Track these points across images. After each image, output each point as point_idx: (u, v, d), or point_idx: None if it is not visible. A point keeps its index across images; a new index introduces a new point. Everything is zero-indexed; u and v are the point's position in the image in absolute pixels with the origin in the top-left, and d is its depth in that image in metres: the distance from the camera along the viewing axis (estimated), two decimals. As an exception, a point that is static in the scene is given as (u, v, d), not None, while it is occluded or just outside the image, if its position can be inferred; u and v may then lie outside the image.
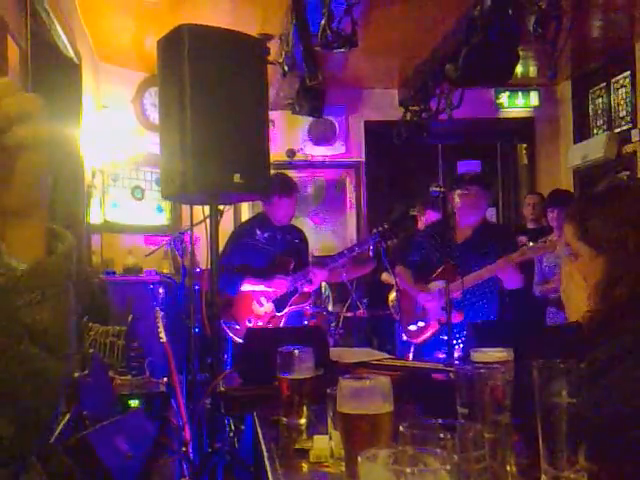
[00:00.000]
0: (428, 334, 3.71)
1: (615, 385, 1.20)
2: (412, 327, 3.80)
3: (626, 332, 1.28)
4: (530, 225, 5.42)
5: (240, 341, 3.65)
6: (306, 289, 4.09)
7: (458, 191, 3.70)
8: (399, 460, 0.66)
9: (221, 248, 3.48)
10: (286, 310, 4.03)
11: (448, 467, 0.63)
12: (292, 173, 6.53)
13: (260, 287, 3.96)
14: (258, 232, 4.02)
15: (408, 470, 0.63)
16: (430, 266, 3.70)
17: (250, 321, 3.92)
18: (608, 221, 1.36)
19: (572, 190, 6.30)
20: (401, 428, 0.81)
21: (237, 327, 3.88)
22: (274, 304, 3.99)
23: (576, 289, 1.44)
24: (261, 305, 3.98)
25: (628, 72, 5.66)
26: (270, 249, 4.02)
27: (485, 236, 3.69)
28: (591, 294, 1.37)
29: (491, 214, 6.93)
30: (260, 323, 3.94)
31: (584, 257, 1.40)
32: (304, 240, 4.30)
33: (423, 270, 3.77)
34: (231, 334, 3.87)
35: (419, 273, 3.81)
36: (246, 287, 3.95)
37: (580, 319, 1.43)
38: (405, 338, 3.95)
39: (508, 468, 1.03)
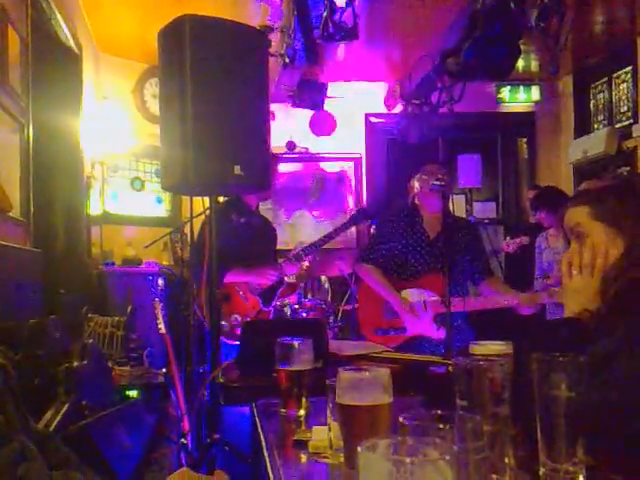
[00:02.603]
0: (397, 344, 3.26)
1: (615, 378, 1.20)
2: (377, 336, 3.30)
3: (626, 325, 1.28)
4: (532, 220, 5.42)
5: (227, 340, 3.42)
6: (292, 280, 3.99)
7: (417, 175, 3.40)
8: (398, 450, 0.66)
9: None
10: (273, 303, 3.84)
11: (447, 457, 0.63)
12: (292, 166, 6.56)
13: (248, 278, 3.70)
14: (234, 217, 3.74)
15: (407, 460, 0.63)
16: (403, 263, 3.38)
17: (237, 318, 3.64)
18: (628, 203, 1.40)
19: (572, 185, 6.31)
20: (400, 419, 0.82)
21: (223, 323, 3.50)
22: (260, 298, 3.76)
23: (584, 280, 1.45)
24: (247, 300, 3.73)
25: (629, 67, 5.65)
26: (247, 234, 3.75)
27: (456, 231, 3.38)
28: (606, 279, 1.39)
29: (491, 208, 6.94)
30: (248, 319, 3.63)
31: (598, 236, 1.43)
32: (275, 231, 4.19)
33: (394, 268, 3.40)
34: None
35: (389, 272, 3.40)
36: (230, 278, 3.61)
37: (579, 314, 1.44)
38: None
39: (507, 460, 1.03)
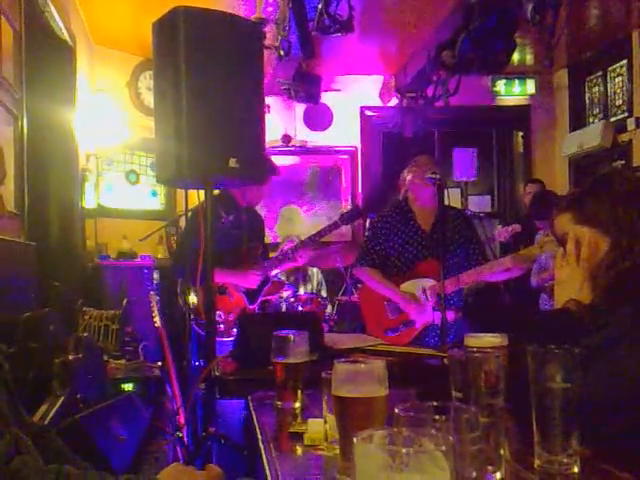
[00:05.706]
0: (410, 339, 3.28)
1: (609, 370, 1.20)
2: (390, 336, 3.27)
3: (620, 318, 1.29)
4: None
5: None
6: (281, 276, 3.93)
7: (409, 168, 3.40)
8: (394, 441, 0.66)
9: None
10: (259, 301, 3.77)
11: (444, 448, 0.63)
12: (287, 159, 6.54)
13: (232, 280, 3.63)
14: (223, 214, 3.62)
15: (403, 451, 0.62)
16: (400, 259, 3.38)
17: (220, 315, 3.55)
18: (605, 203, 1.44)
19: (567, 178, 6.33)
20: (396, 410, 0.81)
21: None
22: (245, 295, 3.70)
23: (570, 269, 1.50)
24: (231, 297, 3.66)
25: (625, 61, 5.65)
26: (236, 232, 3.68)
27: (450, 220, 3.35)
28: (594, 272, 1.43)
29: (487, 202, 6.95)
30: (231, 317, 3.59)
31: (586, 239, 1.47)
32: (263, 224, 4.11)
33: (392, 265, 3.40)
34: (198, 329, 3.39)
35: (387, 269, 3.41)
36: (215, 278, 3.59)
37: (566, 303, 1.47)
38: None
39: (502, 452, 1.03)
